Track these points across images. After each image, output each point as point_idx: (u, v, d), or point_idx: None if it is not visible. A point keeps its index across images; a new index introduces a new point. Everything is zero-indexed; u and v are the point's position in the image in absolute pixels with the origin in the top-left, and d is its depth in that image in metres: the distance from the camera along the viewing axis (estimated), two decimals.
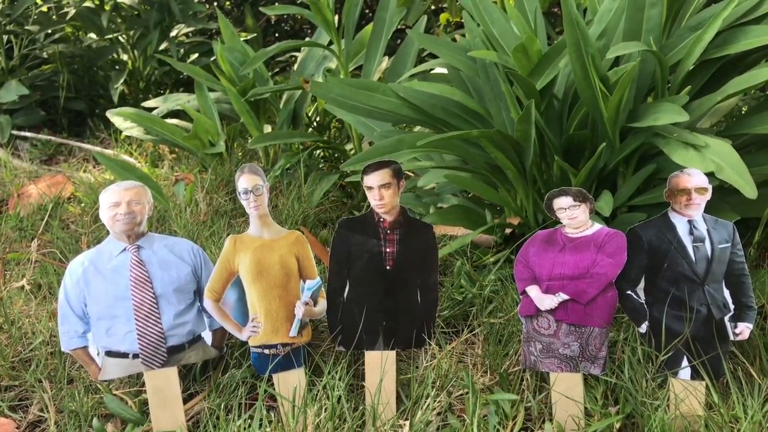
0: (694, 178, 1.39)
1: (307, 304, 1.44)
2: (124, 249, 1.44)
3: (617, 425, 1.37)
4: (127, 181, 1.45)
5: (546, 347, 1.43)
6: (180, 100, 2.79)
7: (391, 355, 1.48)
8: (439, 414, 1.46)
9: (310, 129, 2.79)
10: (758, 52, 1.87)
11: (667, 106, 1.65)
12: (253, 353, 1.44)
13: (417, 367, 1.54)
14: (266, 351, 1.43)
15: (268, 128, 2.81)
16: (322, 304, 1.48)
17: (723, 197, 1.67)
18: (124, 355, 1.40)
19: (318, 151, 2.68)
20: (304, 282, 1.45)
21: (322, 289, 1.49)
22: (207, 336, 1.47)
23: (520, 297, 1.46)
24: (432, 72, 2.60)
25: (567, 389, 1.41)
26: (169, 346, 1.41)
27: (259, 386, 1.36)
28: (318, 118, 2.79)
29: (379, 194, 1.46)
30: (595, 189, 1.90)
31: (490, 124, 2.04)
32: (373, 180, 1.46)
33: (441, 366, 1.51)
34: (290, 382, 1.43)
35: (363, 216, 1.51)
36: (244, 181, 1.46)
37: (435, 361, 1.51)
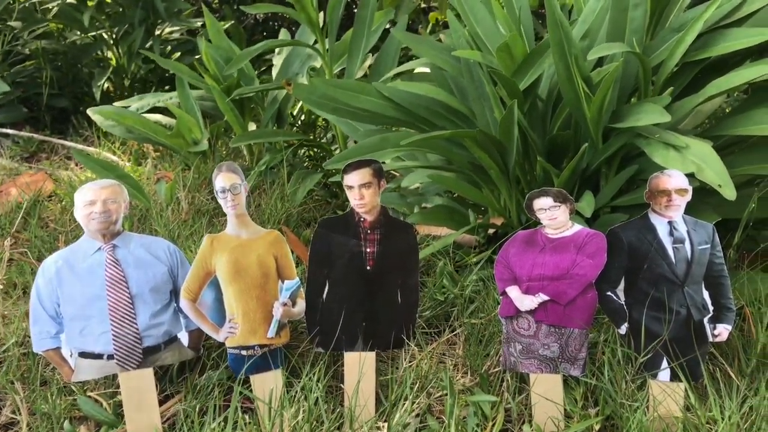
0: (674, 179, 1.38)
1: (285, 304, 1.42)
2: (99, 248, 1.41)
3: (596, 427, 1.37)
4: (103, 180, 1.42)
5: (526, 348, 1.42)
6: (161, 97, 2.76)
7: (371, 356, 1.46)
8: (418, 416, 1.44)
9: (295, 127, 2.77)
10: (740, 54, 1.87)
11: (649, 107, 1.65)
12: (230, 354, 1.42)
13: (397, 368, 1.52)
14: (243, 352, 1.42)
15: (253, 126, 2.79)
16: (301, 304, 1.46)
17: (704, 198, 1.67)
18: (99, 356, 1.38)
19: (303, 150, 2.67)
20: (283, 282, 1.44)
21: (301, 289, 1.48)
22: (183, 337, 1.45)
23: (500, 298, 1.45)
24: (417, 72, 2.59)
25: (546, 390, 1.41)
26: (144, 347, 1.39)
27: (237, 387, 1.34)
28: (303, 117, 2.78)
29: (360, 194, 1.45)
30: (577, 189, 1.90)
31: (474, 124, 2.03)
32: (353, 179, 1.45)
33: (421, 367, 1.50)
34: (267, 383, 1.41)
35: (343, 216, 1.50)
36: (221, 180, 1.44)
37: (415, 362, 1.50)
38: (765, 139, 1.68)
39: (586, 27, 1.91)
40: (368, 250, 1.46)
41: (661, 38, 1.85)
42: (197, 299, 1.42)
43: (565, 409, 1.40)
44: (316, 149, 2.62)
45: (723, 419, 1.24)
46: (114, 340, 1.37)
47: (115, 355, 1.37)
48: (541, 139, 1.94)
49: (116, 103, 2.83)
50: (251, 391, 1.41)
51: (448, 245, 1.85)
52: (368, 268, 1.46)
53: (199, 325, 1.43)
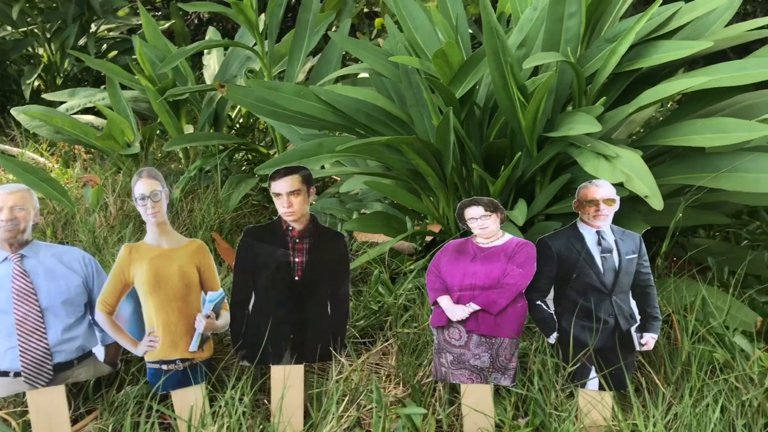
0: (601, 189, 1.39)
1: (208, 317, 1.37)
2: (6, 258, 1.33)
3: None
4: (10, 185, 1.33)
5: (457, 358, 1.40)
6: (92, 96, 2.65)
7: (298, 369, 1.42)
8: (348, 429, 1.41)
9: (234, 130, 2.70)
10: (671, 66, 1.91)
11: (581, 116, 1.66)
12: (150, 369, 1.36)
13: (328, 380, 1.49)
14: (164, 366, 1.35)
15: (190, 129, 2.70)
16: (225, 317, 1.41)
17: (635, 206, 1.69)
18: (5, 374, 1.29)
19: (241, 154, 2.60)
20: (206, 294, 1.38)
21: (226, 301, 1.42)
22: (99, 351, 1.37)
23: (432, 308, 1.43)
24: (360, 76, 2.56)
25: (477, 401, 1.39)
26: (55, 363, 1.31)
27: (153, 405, 1.27)
28: (242, 120, 2.71)
29: (288, 201, 1.40)
30: (513, 197, 1.90)
31: (412, 130, 2.01)
32: (281, 186, 1.40)
33: (351, 379, 1.46)
34: (189, 399, 1.35)
35: (270, 224, 1.45)
36: (141, 186, 1.37)
37: (345, 374, 1.47)
38: (693, 150, 1.70)
39: (523, 36, 1.92)
40: (296, 259, 1.42)
41: (596, 48, 1.87)
42: (114, 312, 1.35)
43: (496, 420, 1.39)
44: (253, 153, 2.56)
45: (647, 428, 1.25)
46: (21, 356, 1.29)
47: (22, 372, 1.29)
48: (479, 147, 1.93)
49: (45, 95, 2.70)
50: (172, 407, 1.35)
51: (384, 253, 1.81)
52: (296, 278, 1.42)
53: (116, 339, 1.35)
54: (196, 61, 3.20)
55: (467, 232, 1.49)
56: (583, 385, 1.39)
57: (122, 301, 1.36)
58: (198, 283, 1.38)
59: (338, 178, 2.43)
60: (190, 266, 1.37)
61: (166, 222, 1.40)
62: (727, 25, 1.90)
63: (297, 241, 1.42)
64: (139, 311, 1.36)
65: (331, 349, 1.44)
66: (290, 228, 1.43)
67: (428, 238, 2.02)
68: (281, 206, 1.41)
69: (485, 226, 1.41)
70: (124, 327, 1.36)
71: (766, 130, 1.56)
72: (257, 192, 2.36)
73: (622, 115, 1.72)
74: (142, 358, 1.39)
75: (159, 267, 1.36)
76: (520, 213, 1.66)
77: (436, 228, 1.99)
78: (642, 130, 2.18)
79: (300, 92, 2.03)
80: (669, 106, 2.79)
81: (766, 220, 2.22)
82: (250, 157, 2.61)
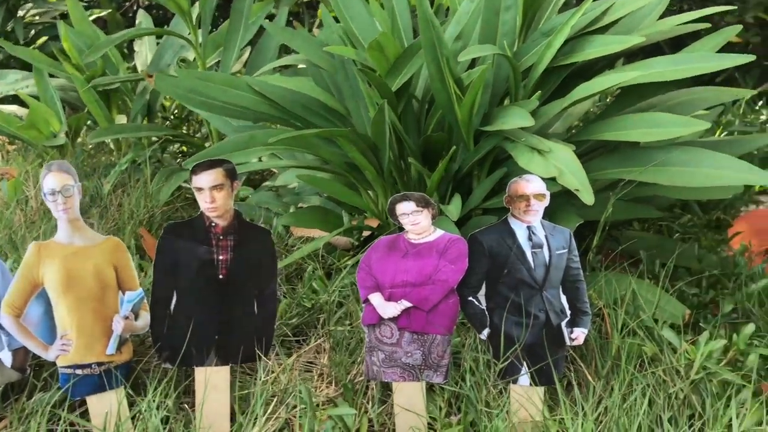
0: (532, 184, 1.38)
1: (127, 318, 1.30)
2: None
3: None
4: None
5: (388, 356, 1.38)
6: (16, 84, 2.51)
7: (224, 371, 1.37)
8: (279, 431, 1.37)
9: (168, 121, 2.61)
10: (606, 60, 1.92)
11: (515, 110, 1.65)
12: (63, 374, 1.28)
13: (257, 381, 1.44)
14: (79, 371, 1.28)
15: (123, 120, 2.60)
16: (145, 317, 1.34)
17: (570, 200, 1.69)
18: None
19: (176, 146, 2.51)
20: (124, 294, 1.31)
21: (145, 301, 1.35)
22: (6, 357, 1.29)
23: (363, 305, 1.41)
24: (301, 67, 2.51)
25: (409, 399, 1.37)
26: None
27: (62, 414, 1.20)
28: (176, 111, 2.61)
29: (211, 196, 1.34)
30: (451, 191, 1.88)
31: (350, 122, 1.98)
32: (203, 181, 1.34)
33: (280, 380, 1.42)
34: (106, 404, 1.28)
35: (192, 220, 1.39)
36: (51, 181, 1.29)
37: (274, 374, 1.42)
38: (627, 144, 1.72)
39: (460, 28, 1.90)
40: (220, 257, 1.36)
41: (532, 42, 1.87)
42: (22, 315, 1.27)
43: (428, 418, 1.37)
44: (188, 145, 2.47)
45: (574, 423, 1.24)
46: None
47: None
48: (417, 140, 1.91)
49: None
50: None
51: (318, 249, 1.78)
52: (221, 276, 1.37)
53: (25, 343, 1.27)
54: (133, 49, 3.08)
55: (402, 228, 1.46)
56: (515, 381, 1.38)
57: (31, 302, 1.28)
58: (115, 282, 1.31)
59: (276, 171, 2.37)
60: (106, 265, 1.30)
61: (78, 218, 1.32)
62: (660, 19, 1.92)
63: (221, 237, 1.37)
64: (50, 313, 1.28)
65: (258, 349, 1.38)
66: (213, 224, 1.37)
67: (366, 233, 1.99)
68: (203, 201, 1.35)
69: (417, 221, 1.38)
70: (34, 330, 1.28)
71: (698, 125, 1.59)
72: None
73: (557, 110, 1.73)
74: (54, 363, 1.31)
75: (72, 266, 1.28)
76: (454, 208, 1.65)
77: (374, 223, 1.96)
78: (580, 124, 2.19)
79: (233, 83, 1.97)
80: (608, 100, 2.82)
81: (698, 213, 2.28)
82: (185, 149, 2.53)
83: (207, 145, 2.46)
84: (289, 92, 1.94)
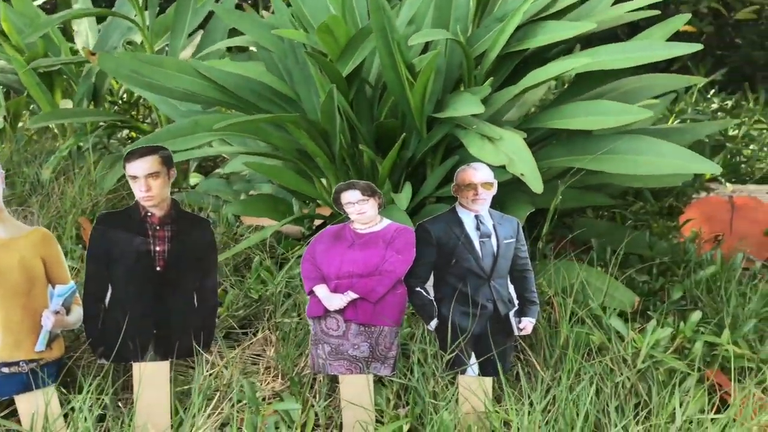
0: (479, 172, 1.36)
1: (57, 312, 1.23)
2: None
3: (406, 427, 1.32)
4: None
5: (335, 349, 1.35)
6: None
7: (163, 366, 1.32)
8: (219, 427, 1.33)
9: (117, 106, 2.51)
10: (560, 46, 1.90)
11: (466, 97, 1.63)
12: None
13: (200, 376, 1.39)
14: (5, 369, 1.21)
15: (68, 104, 2.49)
16: (78, 312, 1.28)
17: (521, 188, 1.67)
18: None
19: (124, 132, 2.42)
20: (54, 287, 1.24)
21: (77, 294, 1.29)
22: None
23: (307, 297, 1.37)
24: (253, 50, 2.44)
25: (356, 392, 1.35)
26: None
27: None
28: (125, 95, 2.52)
29: (146, 185, 1.29)
30: (404, 179, 1.85)
31: (301, 108, 1.93)
32: (137, 168, 1.28)
33: (223, 374, 1.38)
34: (36, 404, 1.22)
35: (126, 209, 1.33)
36: None
37: (216, 369, 1.38)
38: (577, 132, 1.70)
39: (413, 12, 1.86)
40: (157, 248, 1.31)
41: (485, 28, 1.84)
42: None
43: (377, 410, 1.35)
44: (136, 131, 2.38)
45: (520, 413, 1.23)
46: None
47: None
48: (369, 126, 1.87)
49: None
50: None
51: (266, 238, 1.73)
52: (158, 269, 1.31)
53: None
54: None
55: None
56: (463, 372, 1.36)
57: None
58: (43, 276, 1.24)
59: (227, 157, 2.31)
60: (33, 258, 1.23)
61: (2, 209, 1.24)
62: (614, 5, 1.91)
63: (157, 228, 1.32)
64: None
65: (199, 343, 1.34)
66: (149, 214, 1.32)
67: (318, 222, 1.95)
68: (138, 190, 1.29)
69: (363, 211, 1.35)
70: None
71: (644, 113, 1.59)
72: None
73: (509, 96, 1.70)
74: None
75: None
76: (404, 196, 1.63)
77: (325, 211, 1.92)
78: (535, 111, 2.18)
79: (178, 66, 1.90)
80: (566, 86, 2.81)
81: (650, 200, 2.29)
82: (133, 135, 2.44)
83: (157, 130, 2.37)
84: (239, 77, 1.88)
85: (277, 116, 1.79)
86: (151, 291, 1.32)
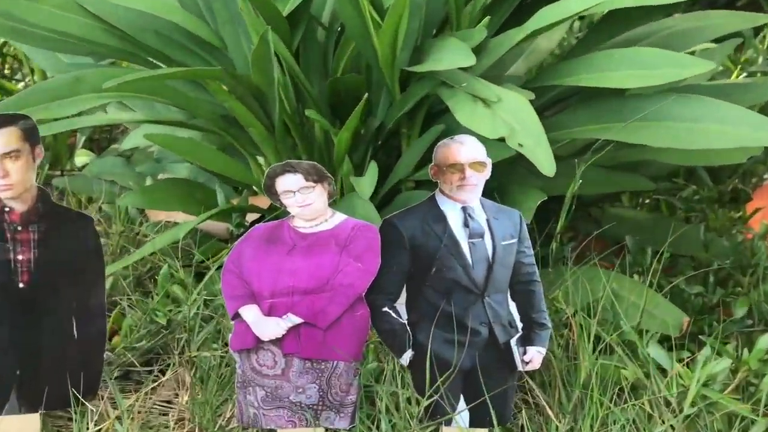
0: (466, 148, 1.36)
1: None
2: None
3: None
4: None
5: (271, 394, 1.36)
6: None
7: (31, 421, 1.33)
8: None
9: None
10: None
11: (453, 44, 1.64)
12: None
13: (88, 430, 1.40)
14: None
15: None
16: None
17: (530, 168, 1.67)
18: None
19: None
20: None
21: None
22: None
23: (231, 323, 1.38)
24: None
25: None
26: None
27: None
28: None
29: (2, 169, 1.28)
30: (369, 157, 1.87)
31: (227, 58, 1.92)
32: None
33: (116, 431, 1.38)
34: None
35: None
36: None
37: (107, 423, 1.38)
38: (605, 92, 1.71)
39: None
40: (19, 257, 1.31)
41: None
42: None
43: None
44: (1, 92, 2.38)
45: None
46: None
47: None
48: (321, 84, 1.88)
49: None
50: None
51: (178, 240, 1.73)
52: (21, 285, 1.32)
53: None
54: None
55: None
56: (449, 422, 1.37)
57: None
58: None
59: (130, 128, 2.32)
60: None
61: None
62: None
63: (19, 228, 1.31)
64: None
65: (79, 388, 1.35)
66: (7, 209, 1.31)
67: (253, 216, 1.96)
68: None
69: (306, 202, 1.34)
70: None
71: (699, 65, 1.60)
72: None
73: (512, 43, 1.71)
74: None
75: None
76: (369, 181, 1.62)
77: (262, 202, 1.92)
78: (549, 64, 2.20)
79: (63, 3, 1.88)
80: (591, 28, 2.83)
81: (707, 183, 2.30)
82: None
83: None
84: (140, 15, 1.87)
85: (193, 70, 1.79)
86: (12, 316, 1.32)
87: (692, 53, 2.03)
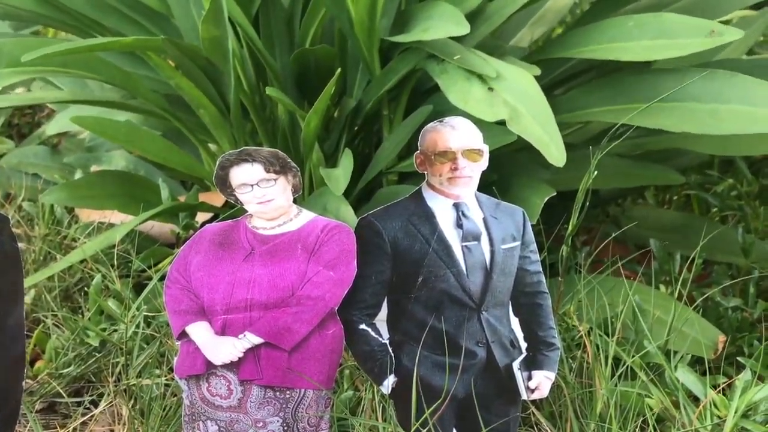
0: (459, 132, 1.35)
1: None
2: None
3: None
4: None
5: (225, 429, 1.36)
6: None
7: None
8: None
9: None
10: None
11: (444, 8, 1.65)
12: None
13: None
14: None
15: None
16: None
17: (536, 157, 1.70)
18: None
19: None
20: None
21: None
22: None
23: (177, 343, 1.37)
24: None
25: None
26: None
27: None
28: None
29: None
30: (344, 145, 1.89)
31: (173, 27, 1.95)
32: None
33: None
34: None
35: None
36: None
37: None
38: (624, 66, 1.73)
39: None
40: None
41: None
42: None
43: None
44: None
45: None
46: None
47: None
48: (286, 57, 1.90)
49: None
50: None
51: (115, 244, 1.73)
52: None
53: None
54: None
55: None
56: None
57: None
58: None
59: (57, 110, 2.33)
60: None
61: None
62: None
63: None
64: None
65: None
66: None
67: (204, 216, 1.98)
68: None
69: (267, 198, 1.34)
70: None
71: (731, 34, 1.60)
72: None
73: (514, 8, 1.72)
74: None
75: None
76: (343, 172, 1.63)
77: (215, 199, 1.93)
78: (558, 33, 2.21)
79: None
80: None
81: (745, 176, 2.32)
82: None
83: None
84: None
85: (131, 40, 1.77)
86: None
87: (727, 23, 2.04)
